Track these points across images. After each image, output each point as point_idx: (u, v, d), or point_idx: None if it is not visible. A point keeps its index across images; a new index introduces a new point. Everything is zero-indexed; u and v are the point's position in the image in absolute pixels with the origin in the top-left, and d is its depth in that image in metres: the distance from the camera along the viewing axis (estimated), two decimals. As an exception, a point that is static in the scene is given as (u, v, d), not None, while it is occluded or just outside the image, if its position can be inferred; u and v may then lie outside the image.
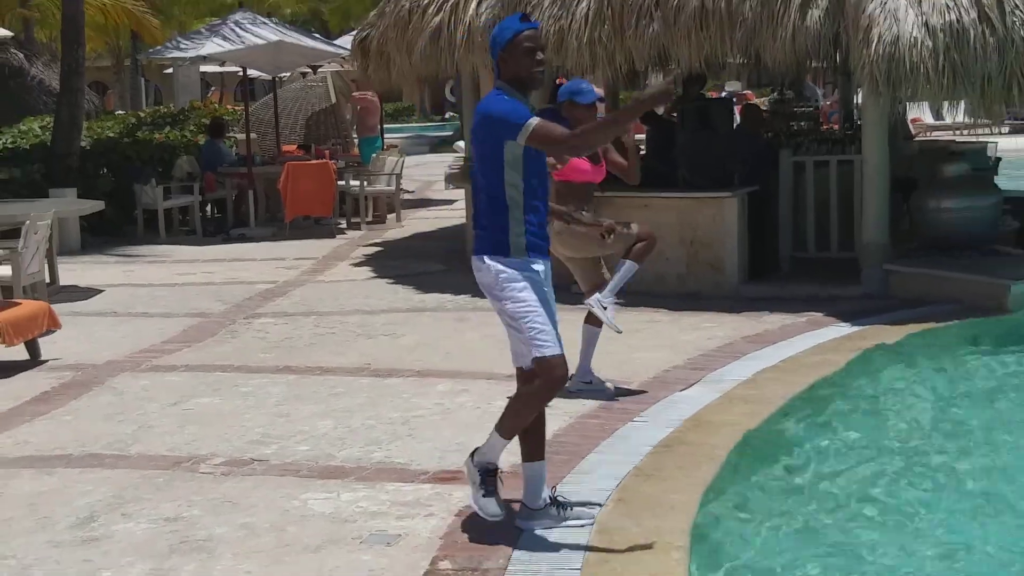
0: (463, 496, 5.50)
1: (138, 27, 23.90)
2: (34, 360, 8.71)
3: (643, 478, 5.66)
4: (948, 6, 9.20)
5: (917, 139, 17.85)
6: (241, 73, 19.54)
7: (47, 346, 8.91)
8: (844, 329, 8.90)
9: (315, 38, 20.30)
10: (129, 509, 5.50)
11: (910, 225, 11.13)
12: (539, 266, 4.92)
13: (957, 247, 10.44)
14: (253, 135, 18.02)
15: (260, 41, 16.65)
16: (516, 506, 5.11)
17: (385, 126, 22.61)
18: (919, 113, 27.72)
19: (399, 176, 17.64)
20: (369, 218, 17.22)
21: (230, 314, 10.49)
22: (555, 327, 4.89)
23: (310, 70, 20.86)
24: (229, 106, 24.68)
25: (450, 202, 19.05)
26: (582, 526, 5.02)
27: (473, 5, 11.18)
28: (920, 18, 9.17)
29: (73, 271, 12.89)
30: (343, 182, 16.82)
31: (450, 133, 34.83)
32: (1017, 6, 9.28)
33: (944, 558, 5.17)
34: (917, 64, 9.07)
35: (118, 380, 8.13)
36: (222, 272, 13.04)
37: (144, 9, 23.34)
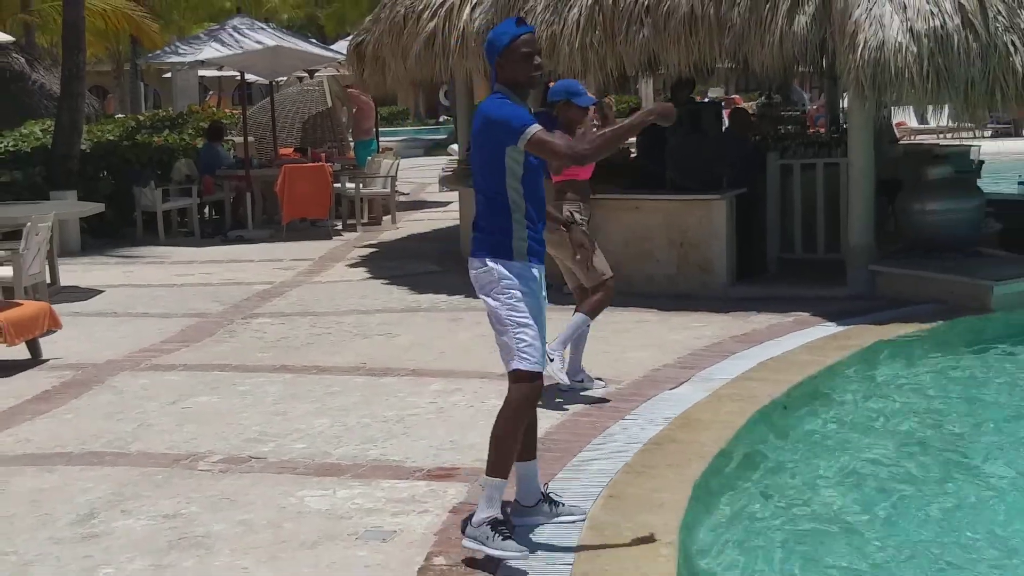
0: (457, 493, 5.51)
1: (138, 32, 23.84)
2: (35, 359, 8.70)
3: (633, 475, 5.66)
4: (932, 12, 9.21)
5: (902, 142, 17.87)
6: (239, 77, 19.53)
7: (48, 346, 8.89)
8: (830, 329, 8.91)
9: (312, 43, 20.32)
10: (129, 506, 5.49)
11: (895, 227, 11.14)
12: (537, 271, 4.87)
13: (941, 248, 10.45)
14: (251, 138, 18.01)
15: (258, 46, 16.68)
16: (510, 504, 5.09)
17: (380, 129, 22.60)
18: (904, 117, 27.79)
19: (394, 179, 17.64)
20: (365, 220, 17.22)
21: (228, 314, 10.48)
22: (543, 338, 4.85)
23: (307, 74, 20.87)
24: (227, 110, 24.62)
25: (444, 204, 19.05)
26: (574, 522, 5.02)
27: (467, 11, 11.18)
28: (905, 24, 9.18)
29: (73, 272, 12.87)
30: (339, 184, 16.81)
31: (444, 136, 34.84)
32: (1000, 12, 9.30)
33: (933, 554, 5.19)
34: (902, 69, 9.08)
35: (118, 379, 8.12)
36: (220, 273, 13.03)
37: (143, 14, 23.29)
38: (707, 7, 9.88)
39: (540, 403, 5.13)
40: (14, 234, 10.84)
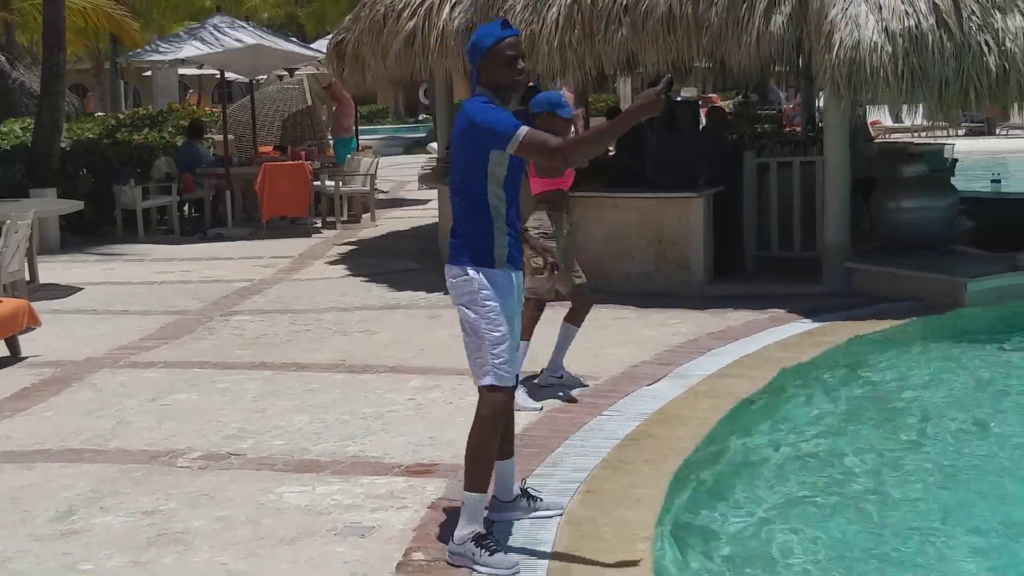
0: (436, 489, 5.50)
1: (118, 31, 23.74)
2: (14, 357, 8.65)
3: (611, 470, 5.66)
4: (907, 12, 9.24)
5: (876, 141, 17.92)
6: (219, 76, 19.46)
7: (27, 343, 8.85)
8: (806, 325, 8.93)
9: (292, 41, 20.24)
10: (108, 503, 5.47)
11: (870, 225, 11.18)
12: (515, 276, 4.76)
13: (915, 246, 10.49)
14: (231, 136, 17.95)
15: (238, 44, 16.59)
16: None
17: (360, 128, 22.55)
18: (878, 115, 27.89)
19: (374, 176, 17.61)
20: (344, 217, 17.19)
21: (207, 312, 10.45)
22: (517, 345, 4.78)
23: (287, 73, 20.79)
24: (207, 108, 24.53)
25: (423, 202, 19.02)
26: (551, 517, 5.01)
27: (446, 10, 11.16)
28: (880, 24, 9.20)
29: (53, 270, 12.80)
30: (319, 182, 16.77)
31: (423, 135, 34.78)
32: (974, 12, 9.33)
33: (904, 540, 5.22)
34: (877, 68, 9.10)
35: (97, 376, 8.08)
36: (199, 271, 12.98)
37: (124, 13, 23.18)
38: (685, 7, 9.88)
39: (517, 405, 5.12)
40: (-7, 231, 10.77)
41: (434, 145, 21.99)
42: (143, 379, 7.96)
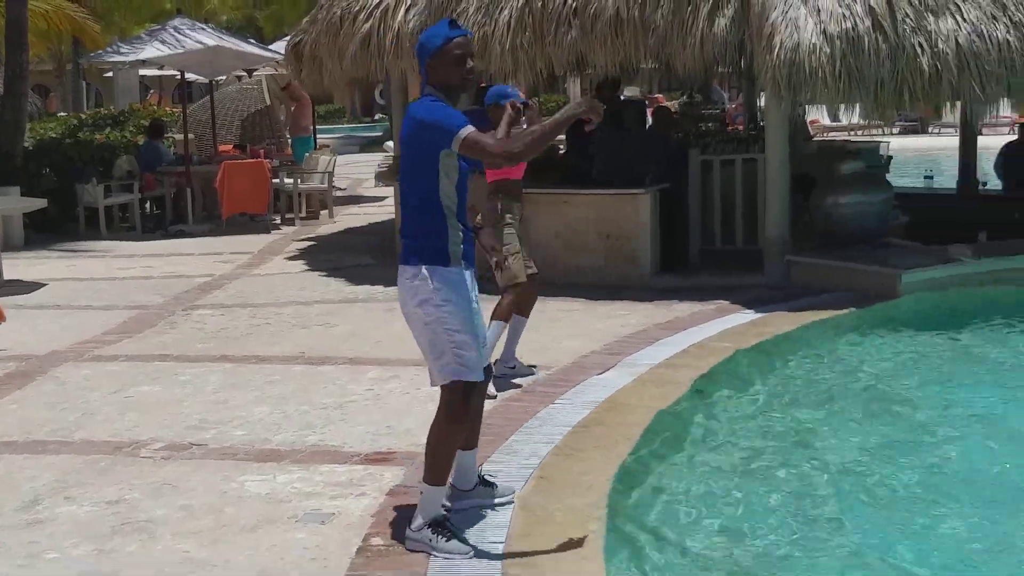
0: (393, 476, 5.49)
1: (79, 33, 23.46)
2: (-21, 351, 8.55)
3: (563, 457, 5.67)
4: (844, 15, 9.31)
5: (815, 139, 18.04)
6: (179, 77, 19.29)
7: (-8, 338, 8.75)
8: (749, 316, 8.98)
9: (250, 43, 20.10)
10: (72, 493, 5.41)
11: (809, 219, 11.25)
12: (469, 273, 4.67)
13: (852, 239, 10.59)
14: (191, 136, 17.80)
15: (198, 46, 16.46)
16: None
17: (317, 127, 22.43)
18: (816, 115, 28.07)
19: (331, 174, 17.52)
20: (303, 214, 17.10)
21: (169, 306, 10.35)
22: (480, 336, 4.70)
23: (245, 74, 20.65)
24: (167, 108, 24.30)
25: (380, 199, 18.96)
26: (508, 503, 5.00)
27: (402, 12, 11.13)
28: (819, 26, 9.27)
29: (16, 266, 12.63)
30: (277, 180, 16.67)
31: (379, 134, 34.67)
32: (908, 15, 9.42)
33: (837, 524, 5.28)
34: (816, 69, 9.17)
35: (61, 370, 7.98)
36: (161, 266, 12.85)
37: (85, 15, 22.92)
38: (632, 10, 9.91)
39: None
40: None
41: (390, 144, 21.96)
42: (106, 372, 7.87)
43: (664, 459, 5.95)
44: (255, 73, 20.62)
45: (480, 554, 4.53)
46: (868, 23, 9.31)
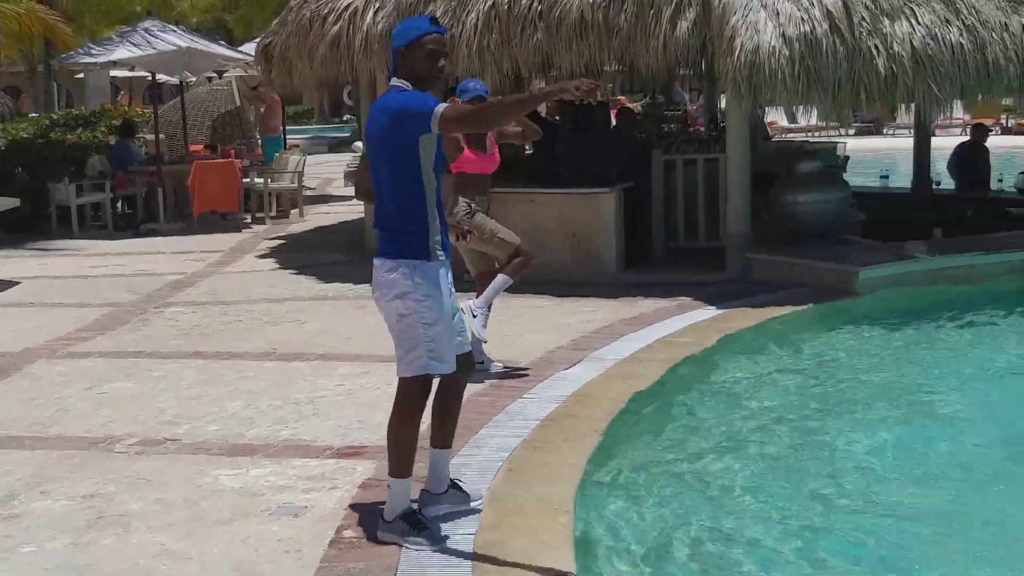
0: (365, 470, 5.47)
1: (51, 35, 23.18)
2: (-47, 349, 8.45)
3: (532, 450, 5.66)
4: (803, 18, 9.36)
5: (773, 140, 18.14)
6: (150, 78, 19.15)
7: (-35, 335, 8.65)
8: (711, 312, 9.01)
9: (221, 45, 19.97)
10: (48, 487, 5.35)
11: (769, 217, 11.32)
12: (445, 267, 4.60)
13: (811, 236, 10.65)
14: (162, 136, 17.67)
15: (169, 47, 16.32)
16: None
17: (286, 128, 22.34)
18: (774, 117, 28.24)
19: (301, 174, 17.45)
20: (273, 213, 17.02)
21: (141, 304, 10.27)
22: (452, 329, 4.62)
23: (215, 75, 20.51)
24: (137, 109, 24.09)
25: (349, 198, 18.85)
26: (477, 509, 4.84)
27: (370, 14, 11.11)
28: (778, 29, 9.32)
29: (-11, 265, 12.53)
30: (248, 179, 16.58)
31: (348, 134, 34.56)
32: (864, 18, 9.48)
33: (800, 508, 5.34)
34: (775, 71, 9.21)
35: (35, 367, 7.91)
36: (133, 265, 12.75)
37: (57, 18, 22.67)
38: (596, 13, 9.93)
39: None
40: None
41: (359, 144, 21.83)
42: (80, 368, 7.80)
43: (630, 451, 5.97)
44: (225, 74, 20.49)
45: (451, 545, 4.52)
46: (826, 26, 9.37)
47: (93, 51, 17.83)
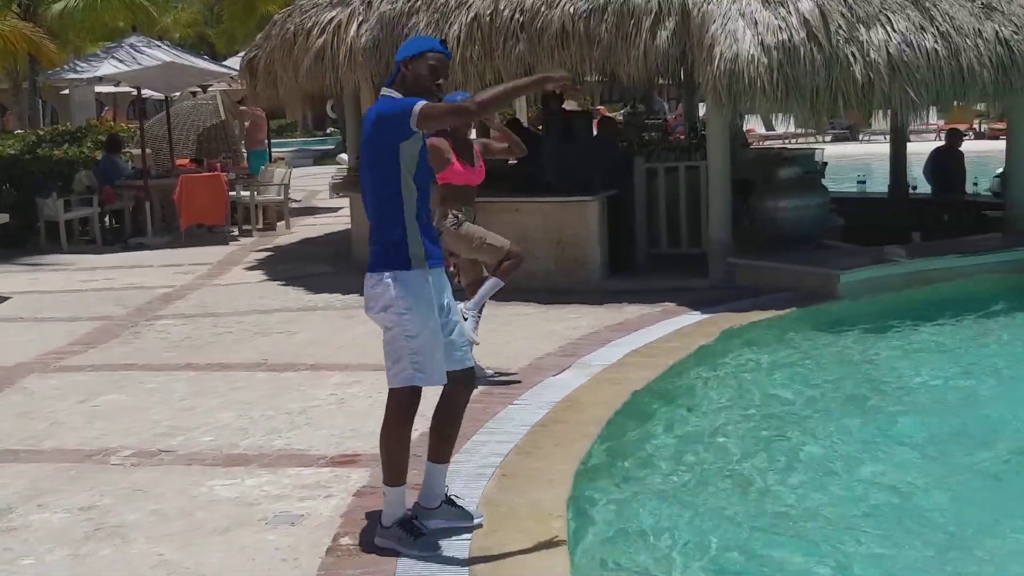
0: (360, 478, 5.46)
1: (36, 52, 23.12)
2: (-55, 364, 8.40)
3: (523, 455, 5.66)
4: (780, 27, 9.41)
5: (752, 147, 18.20)
6: (135, 93, 19.10)
7: (-43, 351, 8.60)
8: (695, 317, 9.03)
9: (205, 59, 19.95)
10: (45, 500, 5.33)
11: (749, 223, 11.35)
12: (432, 276, 4.57)
13: (791, 242, 10.69)
14: (148, 150, 17.63)
15: (154, 62, 16.28)
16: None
17: (270, 141, 22.32)
18: (752, 124, 28.35)
19: (287, 186, 17.43)
20: (260, 225, 16.98)
21: (132, 317, 10.24)
22: (439, 344, 4.55)
23: (200, 89, 20.49)
24: (122, 124, 24.03)
25: (335, 210, 18.88)
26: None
27: (354, 27, 11.11)
28: (756, 38, 9.36)
29: (-21, 280, 12.46)
30: (234, 192, 16.54)
31: (331, 147, 34.55)
32: (841, 26, 9.53)
33: (785, 516, 5.34)
34: (754, 79, 9.25)
35: (28, 381, 7.87)
36: (122, 278, 12.69)
37: (42, 35, 22.61)
38: (577, 23, 9.94)
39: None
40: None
41: (344, 156, 21.86)
42: (73, 382, 7.77)
43: (621, 455, 5.97)
44: (209, 89, 20.48)
45: (448, 551, 4.51)
46: (803, 34, 9.41)
47: (79, 67, 17.76)
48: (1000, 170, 14.31)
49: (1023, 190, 11.79)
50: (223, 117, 21.37)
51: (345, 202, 15.22)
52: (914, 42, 9.59)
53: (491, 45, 10.31)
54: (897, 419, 6.81)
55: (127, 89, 20.44)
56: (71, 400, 7.25)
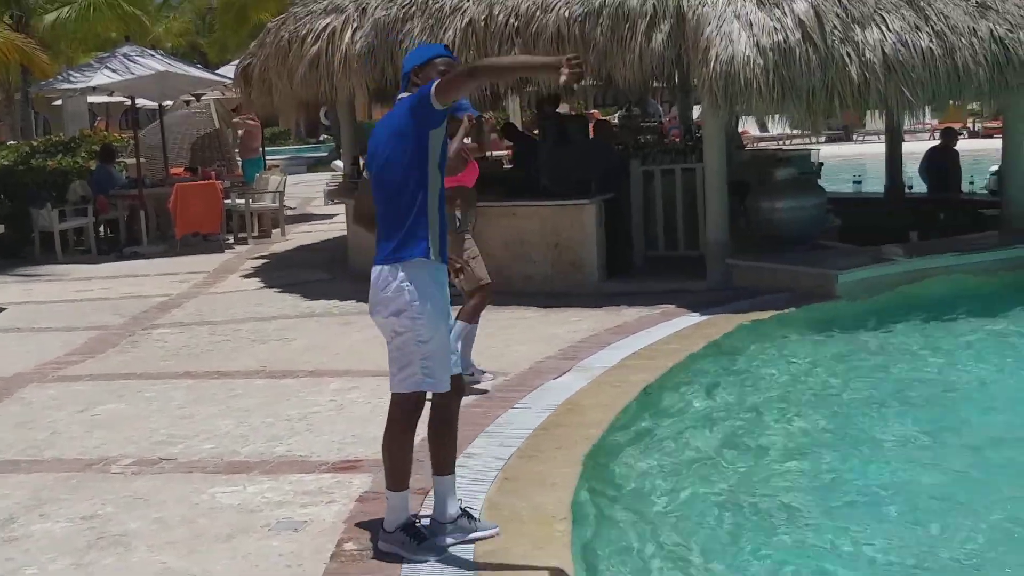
0: (362, 483, 5.45)
1: (28, 63, 23.08)
2: (-57, 376, 8.38)
3: (526, 459, 5.65)
4: (776, 28, 9.40)
5: (747, 149, 18.22)
6: (129, 103, 19.10)
7: (-45, 362, 8.58)
8: (694, 318, 9.02)
9: (198, 68, 19.95)
10: (46, 510, 5.32)
11: (746, 224, 11.35)
12: (442, 271, 4.56)
13: (788, 242, 10.69)
14: (142, 159, 17.62)
15: (148, 71, 16.28)
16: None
17: (264, 149, 22.31)
18: (745, 126, 28.39)
19: (282, 193, 17.42)
20: (255, 233, 16.97)
21: (129, 326, 10.22)
22: (449, 347, 4.57)
23: (193, 98, 20.49)
24: (116, 133, 24.01)
25: (330, 216, 18.88)
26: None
27: (348, 34, 11.11)
28: (752, 39, 9.35)
29: (-25, 291, 12.43)
30: (229, 200, 16.53)
31: (325, 154, 34.53)
32: (836, 27, 9.53)
33: (785, 509, 5.37)
34: (750, 80, 9.24)
35: (26, 391, 7.85)
36: (118, 288, 12.68)
37: (34, 46, 22.59)
38: (572, 27, 9.94)
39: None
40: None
41: (339, 163, 21.85)
42: (72, 392, 7.75)
43: (622, 458, 5.96)
44: (203, 97, 20.48)
45: (451, 555, 4.50)
46: (798, 35, 9.41)
47: (72, 77, 17.77)
48: (995, 168, 14.35)
49: (1019, 188, 11.82)
50: (217, 126, 21.36)
51: (340, 209, 15.24)
52: (909, 41, 9.59)
53: (486, 50, 10.27)
54: (907, 417, 6.82)
55: (120, 99, 20.44)
56: (70, 410, 7.24)
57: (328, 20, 11.45)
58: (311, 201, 22.38)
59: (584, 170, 10.94)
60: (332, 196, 15.16)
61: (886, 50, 9.52)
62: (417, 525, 4.62)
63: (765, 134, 29.54)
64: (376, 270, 4.53)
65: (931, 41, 9.69)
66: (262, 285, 12.35)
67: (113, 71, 16.33)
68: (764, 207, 10.99)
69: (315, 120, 44.61)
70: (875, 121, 20.46)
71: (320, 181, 23.74)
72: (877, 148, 19.36)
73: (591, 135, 13.00)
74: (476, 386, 7.10)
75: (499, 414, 6.48)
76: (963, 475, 5.84)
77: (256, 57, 12.69)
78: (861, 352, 8.38)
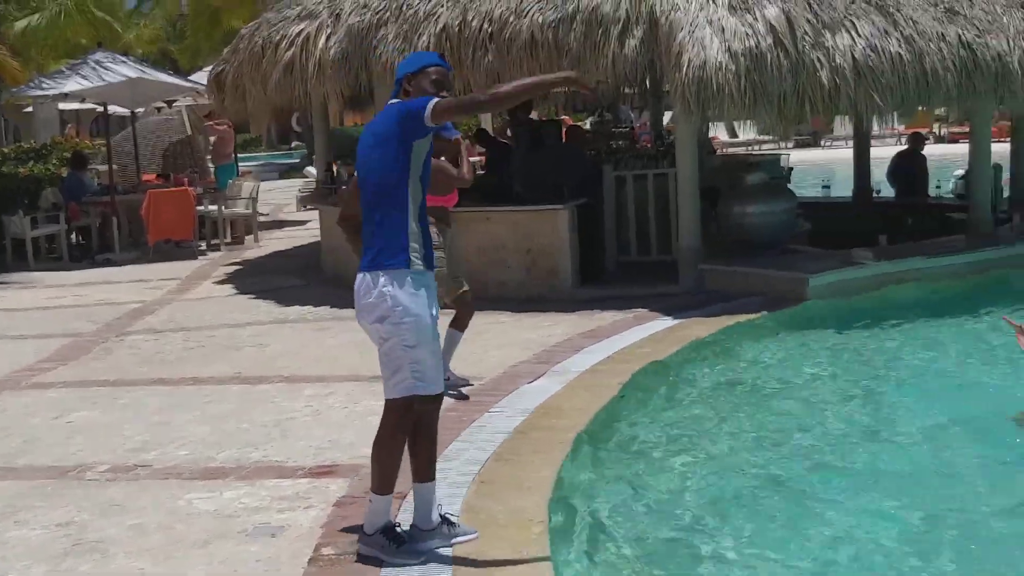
0: (339, 488, 5.43)
1: None
2: (-86, 383, 8.29)
3: (502, 462, 5.65)
4: (747, 33, 9.44)
5: (718, 154, 18.29)
6: (100, 109, 18.98)
7: (-74, 370, 8.49)
8: (667, 322, 9.04)
9: (170, 74, 19.85)
10: (22, 517, 5.27)
11: (717, 229, 11.39)
12: (428, 278, 4.53)
13: (759, 247, 10.74)
14: (114, 166, 17.52)
15: (120, 78, 16.18)
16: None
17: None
18: (715, 132, 28.51)
19: (255, 200, 17.35)
20: (228, 239, 16.90)
21: (102, 333, 10.15)
22: (436, 350, 4.56)
23: (165, 105, 20.39)
24: (86, 140, 23.89)
25: (303, 222, 18.82)
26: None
27: (322, 40, 11.09)
28: (724, 44, 9.39)
29: (-54, 299, 12.32)
30: (202, 207, 16.45)
31: (297, 160, 34.39)
32: (807, 32, 9.58)
33: (753, 506, 5.42)
34: (722, 85, 9.28)
35: (0, 398, 7.78)
36: (91, 295, 12.59)
37: (5, 53, 22.45)
38: (546, 33, 9.95)
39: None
40: None
41: (311, 169, 21.78)
42: (46, 399, 7.69)
43: (598, 459, 5.97)
44: (175, 104, 20.39)
45: (430, 558, 4.49)
46: (770, 40, 9.46)
47: (44, 84, 17.62)
48: (960, 172, 14.46)
49: (986, 192, 11.92)
50: (189, 132, 21.26)
51: (313, 215, 15.20)
52: (879, 46, 9.66)
53: (460, 56, 10.28)
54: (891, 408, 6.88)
55: (91, 106, 20.30)
56: (44, 416, 7.18)
57: (302, 26, 11.43)
58: (283, 207, 22.31)
59: (557, 176, 10.95)
60: (305, 202, 15.12)
61: (856, 55, 9.58)
62: (397, 528, 4.60)
63: (735, 139, 29.65)
64: (359, 277, 4.53)
65: (900, 46, 9.76)
66: (236, 291, 12.29)
67: (84, 77, 16.22)
68: (735, 212, 11.04)
69: (286, 127, 44.49)
70: (844, 126, 20.59)
71: (292, 187, 23.69)
72: (844, 153, 19.46)
73: (564, 140, 13.01)
74: (451, 391, 7.09)
75: (475, 418, 6.47)
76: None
77: (230, 63, 12.64)
78: (838, 352, 8.44)
